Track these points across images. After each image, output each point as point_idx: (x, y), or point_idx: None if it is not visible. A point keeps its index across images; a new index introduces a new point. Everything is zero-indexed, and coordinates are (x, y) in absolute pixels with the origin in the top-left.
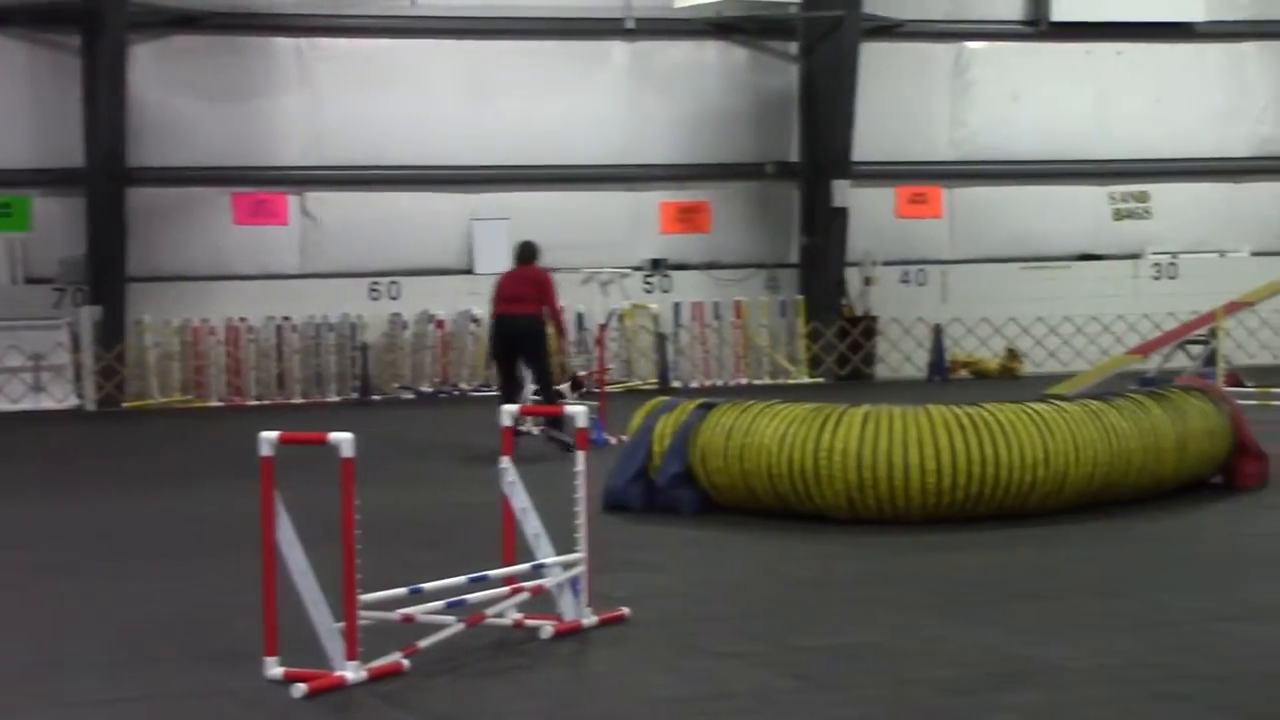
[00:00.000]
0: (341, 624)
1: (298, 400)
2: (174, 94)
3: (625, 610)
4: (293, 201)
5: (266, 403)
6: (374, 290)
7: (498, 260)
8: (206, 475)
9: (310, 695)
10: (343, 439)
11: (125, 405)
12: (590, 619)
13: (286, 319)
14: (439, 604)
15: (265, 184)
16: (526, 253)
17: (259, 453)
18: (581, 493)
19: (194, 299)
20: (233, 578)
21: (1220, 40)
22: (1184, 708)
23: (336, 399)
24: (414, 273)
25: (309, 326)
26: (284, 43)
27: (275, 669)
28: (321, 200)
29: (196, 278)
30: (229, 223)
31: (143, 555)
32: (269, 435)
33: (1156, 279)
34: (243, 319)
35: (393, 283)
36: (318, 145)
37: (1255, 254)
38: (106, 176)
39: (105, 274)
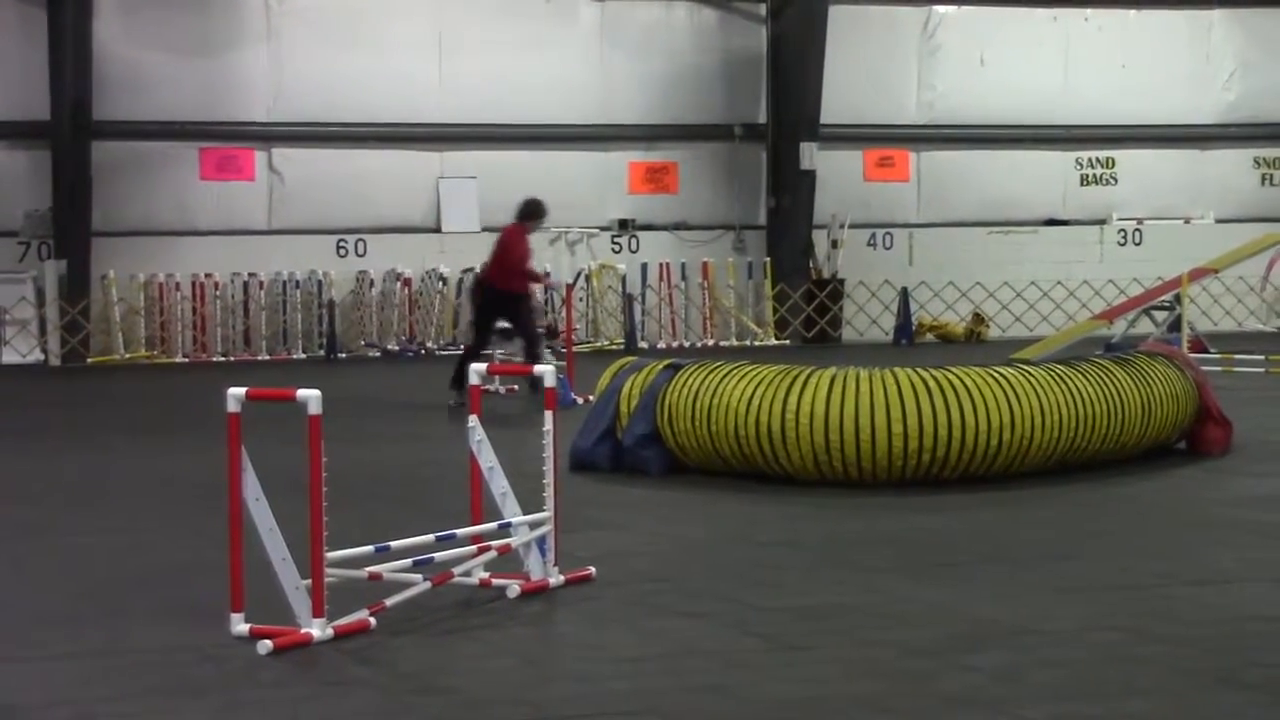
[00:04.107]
0: (308, 581)
1: (263, 357)
2: (140, 47)
3: (592, 570)
4: (259, 157)
5: (232, 359)
6: (341, 247)
7: (465, 219)
8: (172, 431)
9: (276, 652)
10: (310, 395)
11: (90, 361)
12: (557, 578)
13: (253, 275)
14: (406, 562)
15: (232, 139)
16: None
17: (226, 409)
18: (549, 452)
19: (160, 254)
20: (199, 534)
21: (1186, 7)
22: (1146, 670)
23: (302, 356)
24: (381, 230)
25: (275, 283)
26: None
27: (241, 625)
28: (288, 156)
29: (162, 233)
30: (195, 178)
31: (107, 511)
32: (236, 391)
33: (1122, 245)
34: (209, 275)
35: (360, 240)
36: (285, 101)
37: (1220, 220)
38: (72, 130)
39: (70, 228)
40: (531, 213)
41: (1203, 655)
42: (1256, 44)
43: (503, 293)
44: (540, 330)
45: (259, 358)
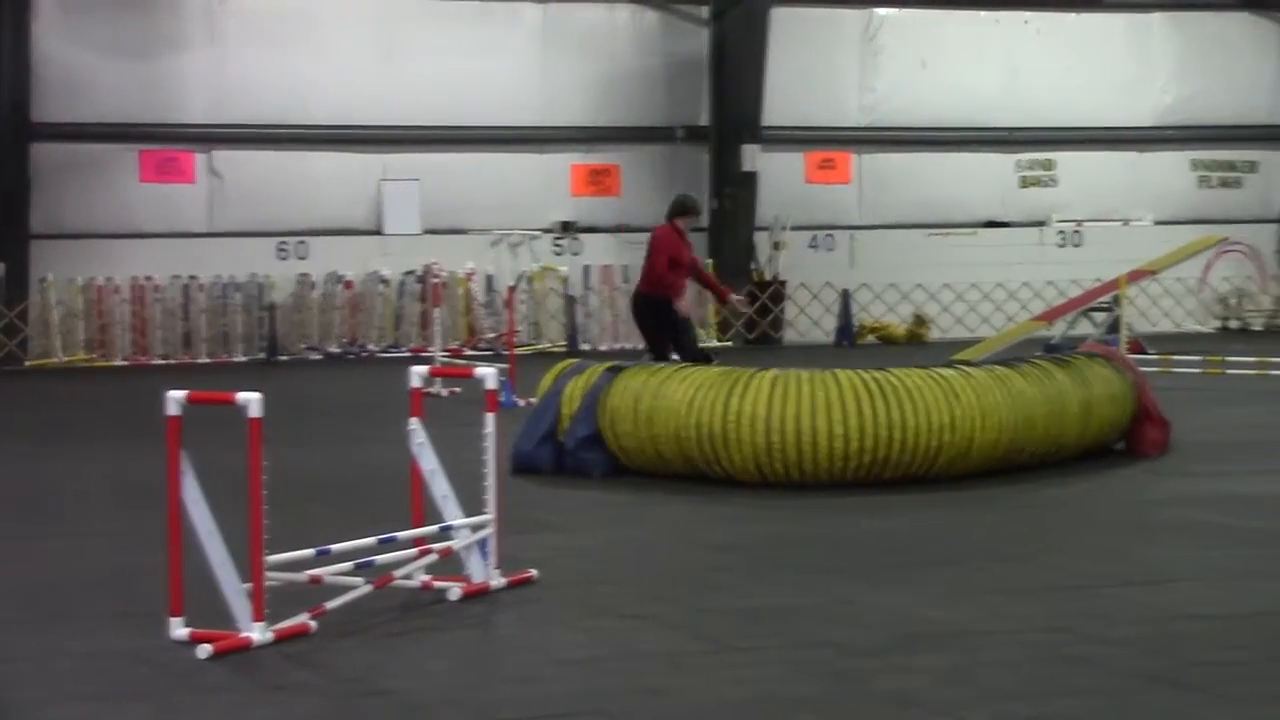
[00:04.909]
0: (248, 585)
1: (204, 360)
2: (80, 49)
3: (534, 572)
4: (200, 159)
5: (172, 362)
6: (282, 250)
7: (407, 221)
8: (111, 435)
9: (216, 656)
10: (250, 399)
11: (28, 364)
12: (498, 581)
13: (193, 278)
14: (347, 565)
15: (172, 141)
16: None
17: (165, 412)
18: (490, 454)
19: (99, 257)
20: (138, 538)
21: (1126, 11)
22: (1086, 670)
23: (243, 359)
24: (322, 233)
25: (216, 286)
26: None
27: (180, 629)
28: (229, 159)
29: (102, 235)
30: (135, 180)
31: (46, 515)
32: (176, 394)
33: (1061, 246)
34: (149, 278)
35: (301, 242)
36: (226, 103)
37: (1158, 222)
38: (10, 131)
39: (8, 230)
40: (680, 209)
41: (1140, 655)
42: (1194, 47)
43: (649, 298)
44: (700, 345)
45: (199, 361)
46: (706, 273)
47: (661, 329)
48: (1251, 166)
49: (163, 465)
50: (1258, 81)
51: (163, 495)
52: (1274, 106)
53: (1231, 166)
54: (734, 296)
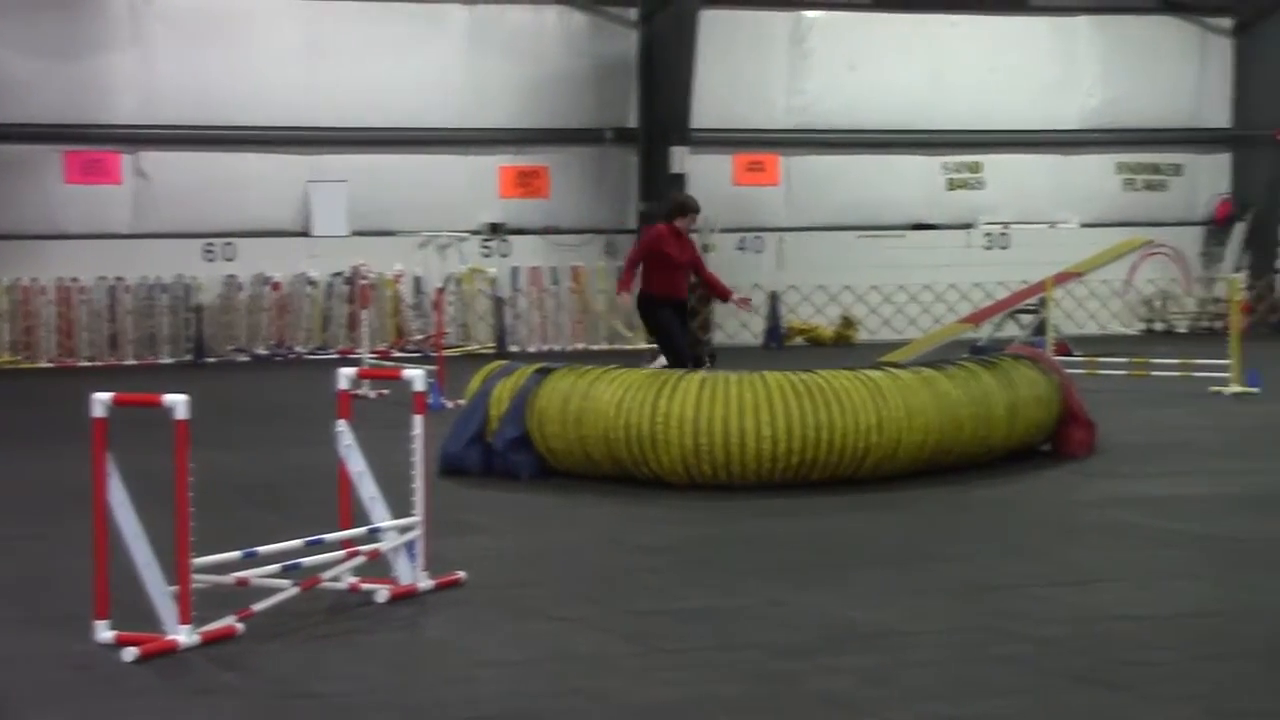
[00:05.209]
0: (174, 587)
1: (130, 362)
2: (3, 49)
3: (461, 574)
4: (126, 160)
5: (98, 364)
6: (209, 251)
7: (334, 222)
8: (36, 437)
9: (142, 659)
10: (177, 401)
11: None
12: (426, 583)
13: (119, 279)
14: (274, 568)
15: (98, 142)
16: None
17: (91, 414)
18: (418, 456)
19: (24, 258)
20: (64, 541)
21: (1051, 14)
22: (1011, 670)
23: (170, 361)
24: (249, 234)
25: (142, 287)
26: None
27: (106, 633)
28: (155, 160)
29: (26, 236)
30: (60, 181)
31: None
32: (102, 396)
33: (988, 249)
34: (74, 279)
35: (228, 244)
36: (151, 104)
37: (1084, 225)
38: None
39: None
40: (678, 209)
41: (1065, 654)
42: (1119, 51)
43: (640, 295)
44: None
45: (126, 362)
46: (709, 272)
47: (657, 325)
48: (1176, 169)
49: (89, 468)
50: (1181, 85)
51: (89, 498)
52: (1198, 109)
53: (1156, 169)
54: (738, 296)
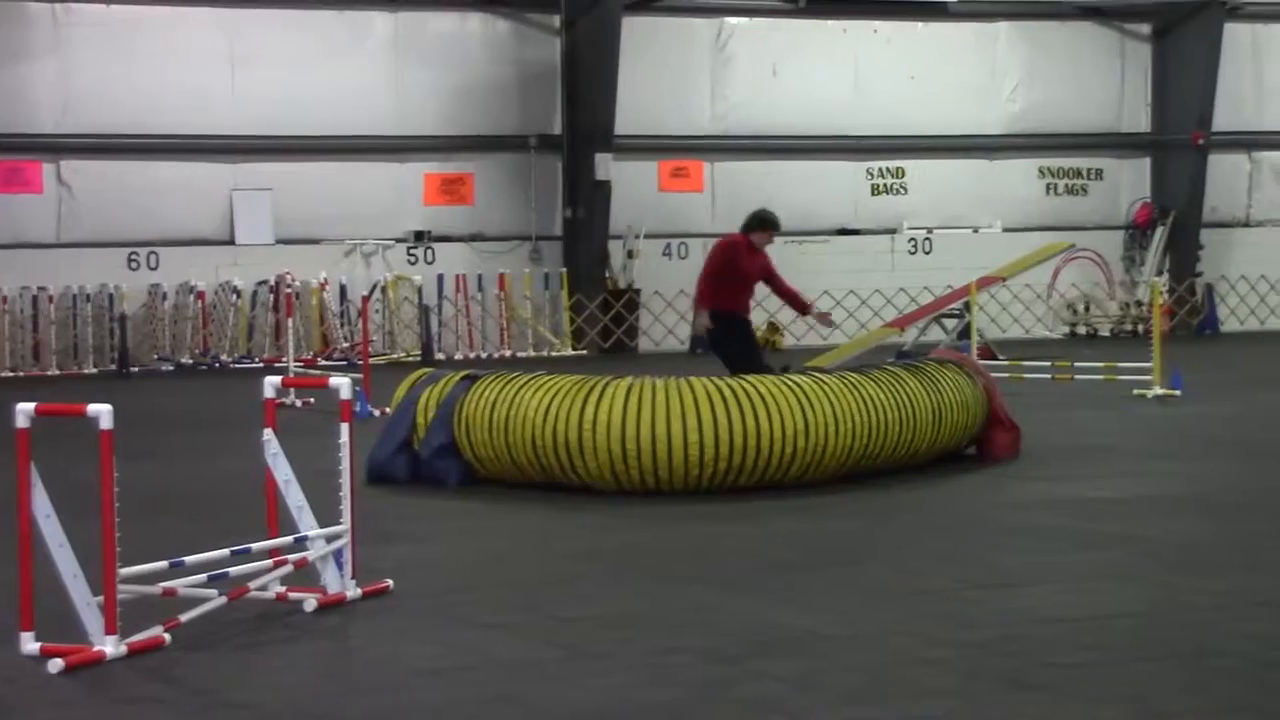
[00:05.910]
0: (100, 598)
1: (54, 372)
2: None
3: (389, 582)
4: (47, 170)
5: (21, 375)
6: (132, 260)
7: (259, 230)
8: None
9: (67, 670)
10: (101, 410)
11: None
12: (354, 591)
13: (42, 289)
14: (201, 577)
15: (18, 151)
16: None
17: (15, 424)
18: (345, 464)
19: None
20: None
21: (973, 20)
22: (939, 672)
23: (94, 371)
24: (173, 243)
25: (65, 297)
26: (37, 8)
27: (31, 644)
28: (77, 168)
29: None
30: None
31: None
32: (25, 406)
33: (912, 254)
34: None
35: (152, 253)
36: (73, 112)
37: (1007, 229)
38: None
39: None
40: (755, 223)
41: (992, 657)
42: (1041, 56)
43: (713, 313)
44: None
45: (49, 373)
46: (785, 284)
47: (728, 342)
48: (1098, 174)
49: (12, 478)
50: (1102, 90)
51: (12, 509)
52: (1118, 115)
53: (1078, 174)
54: (817, 310)
